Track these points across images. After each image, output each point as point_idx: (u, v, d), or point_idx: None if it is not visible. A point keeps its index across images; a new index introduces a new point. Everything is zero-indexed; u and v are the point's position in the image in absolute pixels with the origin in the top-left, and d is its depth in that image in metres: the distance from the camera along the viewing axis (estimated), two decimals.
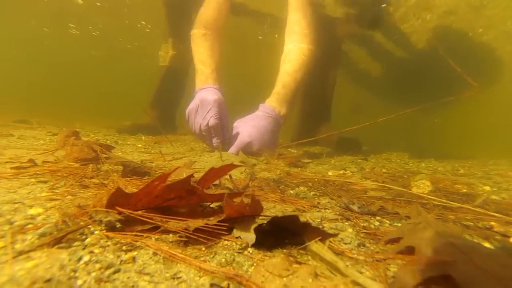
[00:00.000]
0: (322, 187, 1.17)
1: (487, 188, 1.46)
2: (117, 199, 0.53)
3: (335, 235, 0.58)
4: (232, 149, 1.69)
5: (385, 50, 4.75)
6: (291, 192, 1.08)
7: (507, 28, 3.87)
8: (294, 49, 1.86)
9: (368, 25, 3.20)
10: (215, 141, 1.71)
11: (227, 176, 0.99)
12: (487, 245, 0.62)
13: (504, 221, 0.81)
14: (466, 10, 3.59)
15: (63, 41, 12.28)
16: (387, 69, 5.58)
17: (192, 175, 0.60)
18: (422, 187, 1.27)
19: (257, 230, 0.55)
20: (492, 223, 0.81)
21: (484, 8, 3.47)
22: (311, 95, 3.01)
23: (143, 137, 2.52)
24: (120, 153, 1.57)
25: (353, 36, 3.47)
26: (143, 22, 8.04)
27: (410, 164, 2.29)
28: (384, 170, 1.85)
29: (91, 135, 2.33)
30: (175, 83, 3.00)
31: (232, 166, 0.62)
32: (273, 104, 1.78)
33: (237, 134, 1.75)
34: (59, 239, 0.44)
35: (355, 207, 0.83)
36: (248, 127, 1.71)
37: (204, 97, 1.69)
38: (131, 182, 0.90)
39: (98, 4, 7.36)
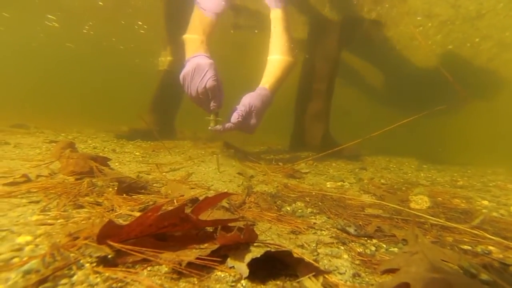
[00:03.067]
0: (320, 203, 1.16)
1: (486, 202, 1.45)
2: (108, 232, 0.52)
3: (328, 272, 0.57)
4: (235, 115, 1.71)
5: (381, 56, 4.74)
6: (288, 208, 1.07)
7: (505, 37, 3.87)
8: (278, 60, 2.03)
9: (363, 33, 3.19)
10: (212, 104, 1.72)
11: None
12: (485, 276, 0.61)
13: (503, 245, 0.81)
14: (463, 20, 3.58)
15: (30, 29, 11.14)
16: (383, 74, 5.57)
17: (185, 204, 0.59)
18: (420, 202, 1.26)
19: (251, 263, 0.54)
20: (491, 247, 0.80)
21: (482, 18, 3.46)
22: (309, 102, 2.99)
23: (141, 144, 2.50)
24: (117, 164, 1.56)
25: (352, 43, 3.45)
26: (140, 23, 7.85)
27: (409, 174, 2.28)
28: (382, 181, 1.84)
29: (88, 141, 2.31)
30: (174, 88, 2.99)
31: (226, 195, 0.61)
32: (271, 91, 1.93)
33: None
34: (45, 278, 0.43)
35: (351, 230, 0.82)
36: (256, 101, 1.79)
37: (199, 61, 1.68)
38: (125, 201, 0.88)
39: (101, 3, 7.19)
